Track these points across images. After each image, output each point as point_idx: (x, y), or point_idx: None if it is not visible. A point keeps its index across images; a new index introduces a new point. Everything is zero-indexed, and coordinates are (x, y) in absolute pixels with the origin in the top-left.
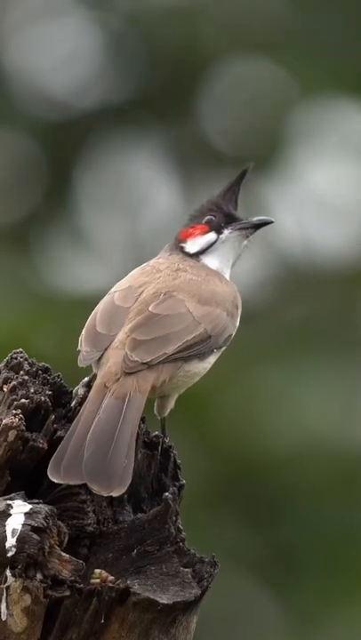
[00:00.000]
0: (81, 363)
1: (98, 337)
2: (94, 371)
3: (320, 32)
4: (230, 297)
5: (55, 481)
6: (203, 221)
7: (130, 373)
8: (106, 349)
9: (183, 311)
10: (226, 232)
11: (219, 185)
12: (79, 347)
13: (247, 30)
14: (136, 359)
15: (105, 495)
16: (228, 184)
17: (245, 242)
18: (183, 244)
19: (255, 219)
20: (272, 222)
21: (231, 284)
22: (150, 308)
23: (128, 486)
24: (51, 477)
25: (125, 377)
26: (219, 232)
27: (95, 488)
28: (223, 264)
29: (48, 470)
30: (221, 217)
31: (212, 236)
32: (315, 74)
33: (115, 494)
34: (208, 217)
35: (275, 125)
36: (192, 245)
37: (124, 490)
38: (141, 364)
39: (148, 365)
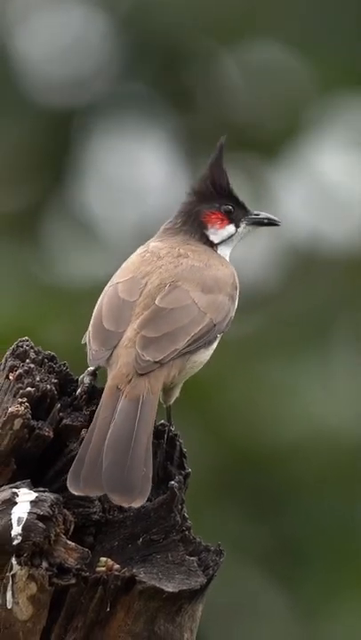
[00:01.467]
0: (90, 362)
1: (106, 334)
2: (101, 366)
3: (336, 21)
4: (230, 279)
5: (75, 493)
6: (222, 210)
7: (142, 374)
8: (115, 347)
9: (189, 303)
10: (242, 226)
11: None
12: (87, 343)
13: (260, 17)
14: (148, 358)
15: (125, 506)
16: (216, 162)
17: (250, 233)
18: (205, 230)
19: (264, 215)
20: (279, 224)
21: (230, 265)
22: (157, 302)
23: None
24: (70, 489)
25: (137, 378)
26: (237, 225)
27: (115, 499)
28: (229, 251)
29: (67, 481)
30: (238, 210)
31: (231, 228)
32: (329, 64)
33: (135, 505)
34: (226, 207)
35: (286, 114)
36: (215, 236)
37: (143, 501)
38: (154, 362)
39: (161, 364)
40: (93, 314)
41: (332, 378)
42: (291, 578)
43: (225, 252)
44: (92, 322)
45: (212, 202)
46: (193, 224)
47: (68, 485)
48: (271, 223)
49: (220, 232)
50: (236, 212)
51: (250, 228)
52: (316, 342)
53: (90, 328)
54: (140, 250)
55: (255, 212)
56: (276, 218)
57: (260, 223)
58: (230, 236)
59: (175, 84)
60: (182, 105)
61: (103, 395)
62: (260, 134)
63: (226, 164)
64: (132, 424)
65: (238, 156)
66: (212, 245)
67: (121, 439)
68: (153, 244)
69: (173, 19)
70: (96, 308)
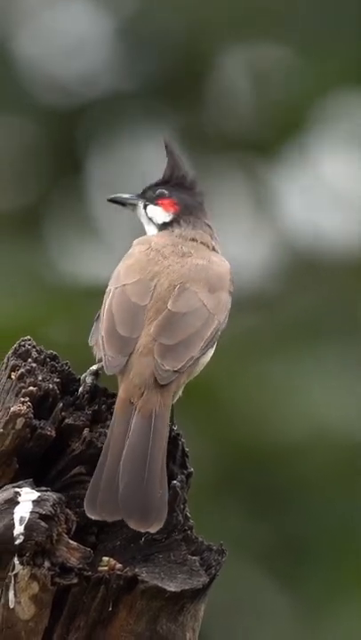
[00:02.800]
0: (108, 370)
1: (121, 340)
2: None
3: (335, 19)
4: (228, 275)
5: (92, 517)
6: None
7: (157, 386)
8: (130, 354)
9: (199, 306)
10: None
11: (227, 172)
12: (101, 349)
13: (261, 15)
14: (168, 368)
15: (143, 531)
16: (171, 161)
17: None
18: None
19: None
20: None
21: (224, 259)
22: (169, 306)
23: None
24: (88, 514)
25: (150, 390)
26: None
27: (132, 525)
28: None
29: (85, 505)
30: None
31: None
32: (328, 62)
33: (152, 530)
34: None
35: (287, 114)
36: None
37: (161, 525)
38: (173, 372)
39: (179, 373)
40: (104, 317)
41: (335, 377)
42: (293, 576)
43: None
44: (104, 327)
45: (193, 192)
46: (195, 217)
47: (85, 509)
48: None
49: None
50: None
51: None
52: (319, 342)
53: (102, 333)
54: (142, 247)
55: None
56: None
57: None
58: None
59: (178, 84)
60: (185, 105)
61: (116, 408)
62: (262, 134)
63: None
64: (146, 443)
65: (240, 156)
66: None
67: (136, 461)
68: (154, 239)
69: (176, 19)
70: (105, 311)
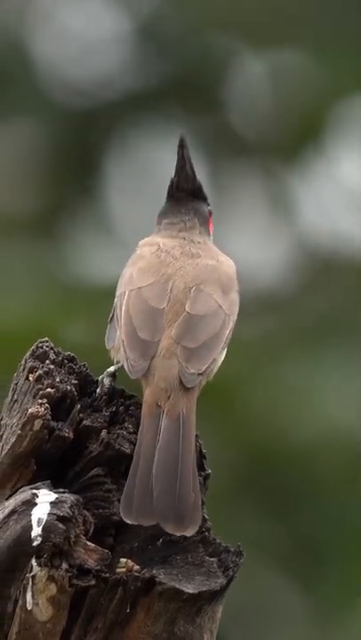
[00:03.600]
0: (132, 375)
1: (142, 344)
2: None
3: (351, 22)
4: (235, 273)
5: (128, 522)
6: (210, 211)
7: (182, 389)
8: (152, 358)
9: (216, 307)
10: None
11: (244, 174)
12: (123, 353)
13: (278, 18)
14: (193, 371)
15: (178, 535)
16: (181, 161)
17: None
18: (209, 231)
19: None
20: None
21: (229, 258)
22: (187, 309)
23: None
24: (124, 519)
25: (176, 394)
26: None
27: (169, 529)
28: None
29: (120, 511)
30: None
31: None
32: (345, 65)
33: (188, 534)
34: (210, 209)
35: (303, 115)
36: (211, 236)
37: (196, 529)
38: (198, 375)
39: (203, 375)
40: (122, 321)
41: (349, 378)
42: (309, 578)
43: None
44: (123, 330)
45: (200, 201)
46: (199, 221)
47: (121, 515)
48: None
49: (211, 233)
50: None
51: None
52: (335, 343)
53: (123, 337)
54: (151, 248)
55: None
56: None
57: None
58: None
59: (195, 86)
60: (202, 107)
61: (143, 413)
62: (279, 136)
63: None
64: (177, 447)
65: (256, 158)
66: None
67: (168, 465)
68: (161, 240)
69: (194, 21)
70: (123, 315)
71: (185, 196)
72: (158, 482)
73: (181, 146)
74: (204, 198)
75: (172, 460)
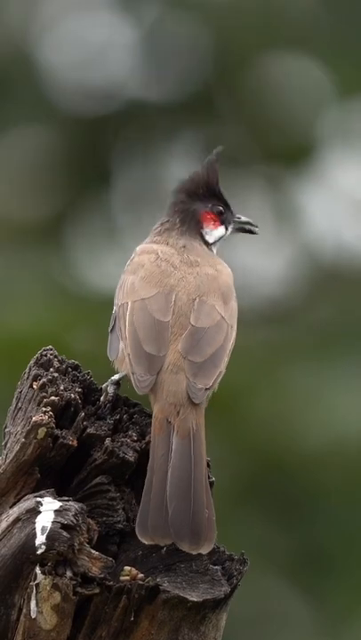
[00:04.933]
0: (139, 390)
1: (148, 358)
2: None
3: (355, 30)
4: (232, 281)
5: (145, 542)
6: (214, 211)
7: (191, 403)
8: (158, 372)
9: (219, 319)
10: (230, 228)
11: (249, 183)
12: (129, 367)
13: (283, 28)
14: (201, 386)
15: (194, 553)
16: (210, 168)
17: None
18: (202, 230)
19: (244, 219)
20: (255, 234)
21: (225, 264)
22: (192, 322)
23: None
24: (140, 538)
25: (185, 409)
26: (226, 227)
27: (185, 548)
28: (216, 251)
29: (136, 530)
30: (227, 211)
31: (222, 230)
32: (350, 72)
33: (203, 552)
34: (218, 208)
35: (309, 123)
36: (209, 236)
37: (212, 546)
38: (205, 389)
39: (210, 389)
40: (127, 335)
41: (355, 386)
42: (315, 585)
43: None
44: (129, 344)
45: (204, 202)
46: (190, 223)
47: (137, 534)
48: (250, 231)
49: (213, 233)
50: (225, 213)
51: (234, 231)
52: (340, 351)
53: (128, 351)
54: (150, 256)
55: (237, 216)
56: (255, 227)
57: (242, 229)
58: (221, 237)
59: (202, 93)
60: (209, 114)
61: (153, 429)
62: (285, 145)
63: (218, 167)
64: (189, 465)
65: (263, 166)
66: (207, 245)
67: (181, 484)
68: (158, 247)
69: (199, 27)
70: (127, 327)
71: (185, 197)
72: (173, 501)
73: (215, 161)
74: (212, 198)
75: (185, 477)
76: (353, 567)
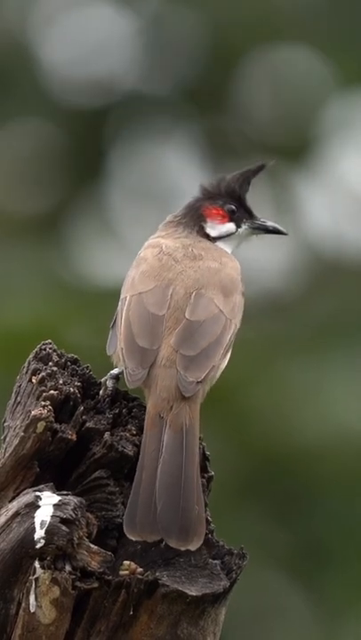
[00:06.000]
0: (130, 384)
1: (141, 352)
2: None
3: (356, 22)
4: (239, 275)
5: (132, 538)
6: (225, 208)
7: (184, 398)
8: (151, 366)
9: (216, 312)
10: (243, 227)
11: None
12: (122, 361)
13: (283, 20)
14: (192, 379)
15: (182, 549)
16: (246, 174)
17: (254, 237)
18: (204, 224)
19: (270, 224)
20: (285, 234)
21: (234, 258)
22: (187, 315)
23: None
24: (127, 534)
25: (178, 403)
26: (238, 225)
27: (173, 543)
28: (230, 250)
29: (124, 526)
30: (242, 211)
31: (231, 227)
32: (351, 65)
33: (192, 548)
34: (230, 206)
35: (309, 116)
36: (212, 229)
37: (200, 542)
38: (197, 383)
39: (202, 383)
40: (122, 329)
41: (355, 380)
42: (314, 579)
43: (224, 248)
44: (123, 338)
45: (218, 200)
46: (192, 217)
47: (124, 530)
48: (277, 231)
49: (218, 227)
50: (239, 213)
51: (254, 233)
52: (340, 345)
53: (122, 345)
54: (153, 250)
55: (262, 220)
56: (281, 228)
57: (266, 230)
58: (229, 234)
59: (202, 87)
60: (209, 108)
61: (146, 424)
62: (285, 139)
63: (255, 176)
64: (180, 460)
65: (263, 160)
66: (210, 239)
67: (171, 479)
68: (164, 242)
69: (198, 20)
70: (123, 321)
71: (202, 194)
72: (161, 497)
73: (254, 170)
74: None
75: (175, 473)
76: (352, 560)
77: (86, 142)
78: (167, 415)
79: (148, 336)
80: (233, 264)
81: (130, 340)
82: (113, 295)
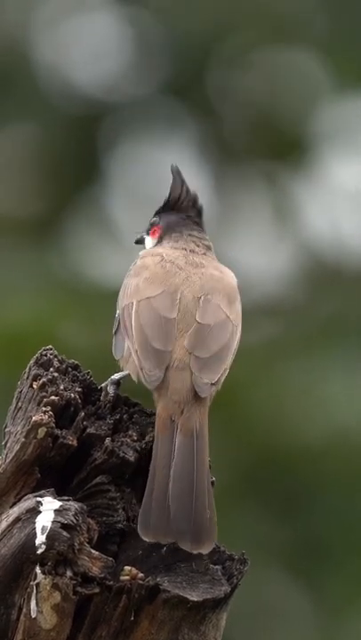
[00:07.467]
0: (149, 385)
1: (156, 354)
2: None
3: (350, 24)
4: (236, 285)
5: (147, 540)
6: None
7: (195, 401)
8: (166, 368)
9: (224, 318)
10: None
11: (247, 180)
12: (136, 362)
13: (279, 21)
14: (206, 381)
15: (195, 552)
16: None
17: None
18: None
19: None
20: None
21: (228, 269)
22: (198, 319)
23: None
24: (142, 536)
25: (189, 407)
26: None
27: (186, 547)
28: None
29: (138, 528)
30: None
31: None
32: (344, 66)
33: (204, 552)
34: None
35: (307, 118)
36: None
37: (213, 546)
38: (211, 385)
39: (215, 385)
40: (134, 332)
41: (355, 381)
42: (314, 578)
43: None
44: (136, 341)
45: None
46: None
47: (139, 532)
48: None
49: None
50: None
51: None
52: (340, 347)
53: (136, 347)
54: (154, 258)
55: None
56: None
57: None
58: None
59: (197, 92)
60: (204, 112)
61: (157, 427)
62: (282, 140)
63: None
64: (191, 464)
65: (260, 163)
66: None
67: (183, 482)
68: (163, 251)
69: (195, 23)
70: (134, 325)
71: (186, 209)
72: (174, 501)
73: (178, 172)
74: (199, 211)
75: (187, 476)
76: (352, 558)
77: (84, 144)
78: (178, 418)
79: (162, 338)
80: (231, 273)
81: (144, 342)
82: (111, 295)
